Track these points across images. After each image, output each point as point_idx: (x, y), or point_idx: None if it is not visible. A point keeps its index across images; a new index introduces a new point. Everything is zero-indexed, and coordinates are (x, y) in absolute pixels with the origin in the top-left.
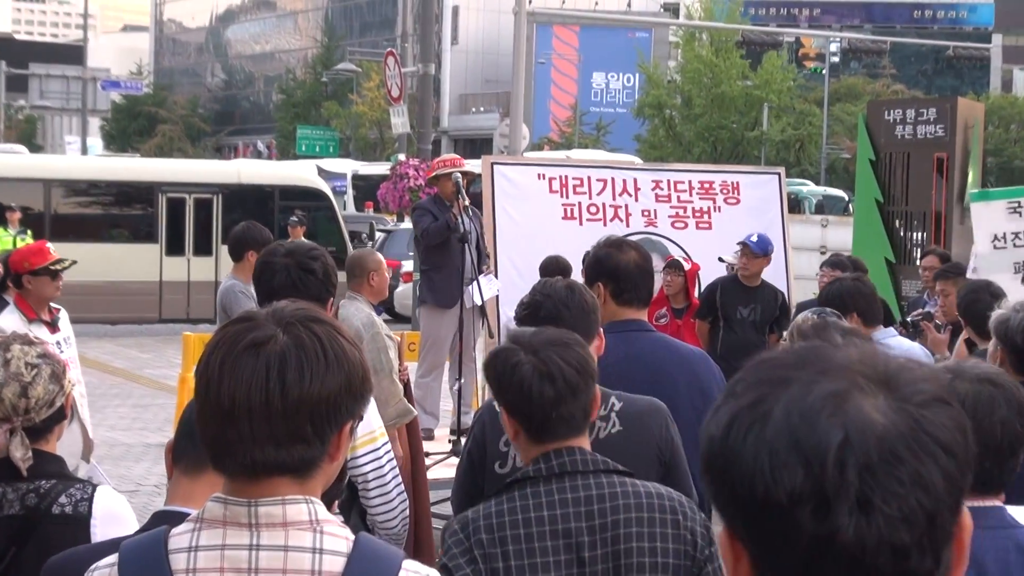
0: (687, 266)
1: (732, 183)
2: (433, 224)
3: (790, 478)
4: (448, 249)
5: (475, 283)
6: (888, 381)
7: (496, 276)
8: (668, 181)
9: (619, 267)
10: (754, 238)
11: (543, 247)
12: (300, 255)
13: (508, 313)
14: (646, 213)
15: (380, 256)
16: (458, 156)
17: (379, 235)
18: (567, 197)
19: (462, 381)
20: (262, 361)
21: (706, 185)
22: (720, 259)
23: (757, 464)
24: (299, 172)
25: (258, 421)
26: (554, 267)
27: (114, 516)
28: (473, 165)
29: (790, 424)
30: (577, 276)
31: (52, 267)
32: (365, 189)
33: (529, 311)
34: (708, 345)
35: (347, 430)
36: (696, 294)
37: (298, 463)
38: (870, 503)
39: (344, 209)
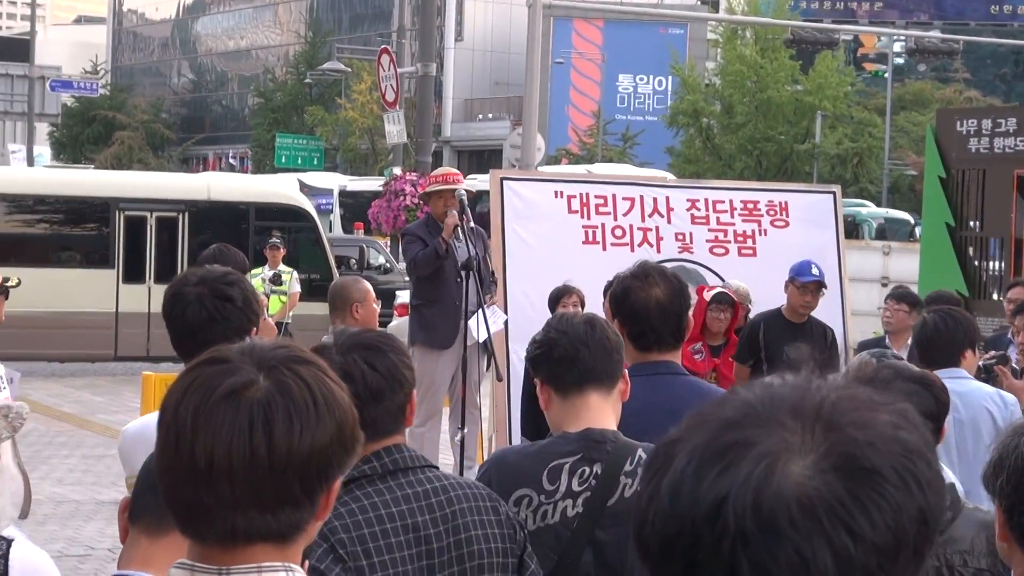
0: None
1: (780, 203)
2: (421, 252)
3: (665, 530)
4: (442, 280)
5: (478, 315)
6: (838, 442)
7: (506, 309)
8: (706, 200)
9: (637, 307)
10: (814, 270)
11: (560, 275)
12: (214, 282)
13: (519, 352)
14: (680, 237)
15: (367, 284)
16: (455, 170)
17: None
18: (588, 218)
19: (465, 431)
20: (244, 412)
21: (750, 205)
22: (820, 285)
23: (646, 507)
24: (278, 187)
25: (241, 482)
26: (558, 296)
27: (35, 571)
28: (480, 181)
29: (683, 474)
30: (598, 308)
31: None
32: (354, 208)
33: (543, 350)
34: None
35: (337, 486)
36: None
37: (284, 528)
38: None
39: (330, 231)
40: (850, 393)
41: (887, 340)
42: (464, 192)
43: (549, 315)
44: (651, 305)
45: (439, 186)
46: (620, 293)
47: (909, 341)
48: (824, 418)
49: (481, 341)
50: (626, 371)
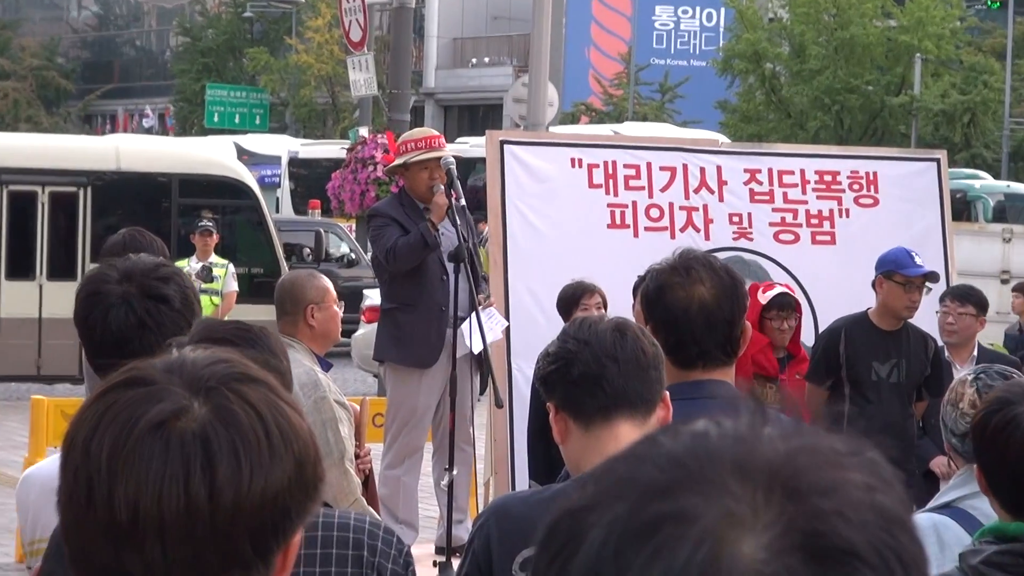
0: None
1: (867, 174)
2: (402, 240)
3: None
4: (423, 277)
5: (471, 321)
6: (800, 514)
7: (507, 315)
8: (769, 171)
9: (676, 310)
10: (917, 259)
11: (578, 269)
12: (144, 277)
13: (526, 369)
14: (736, 219)
15: (326, 281)
16: (436, 132)
17: None
18: (615, 194)
19: (454, 473)
20: (176, 449)
21: (827, 177)
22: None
23: None
24: (209, 154)
25: (175, 541)
26: (574, 296)
27: None
28: (473, 146)
29: (599, 558)
30: (627, 312)
31: None
32: (309, 181)
33: (558, 366)
34: None
35: (296, 542)
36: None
37: None
38: None
39: (277, 211)
40: (808, 443)
41: (946, 353)
42: (452, 161)
43: (562, 320)
44: (693, 308)
45: (422, 154)
46: (654, 292)
47: (975, 353)
48: (780, 480)
49: (475, 353)
50: (667, 393)
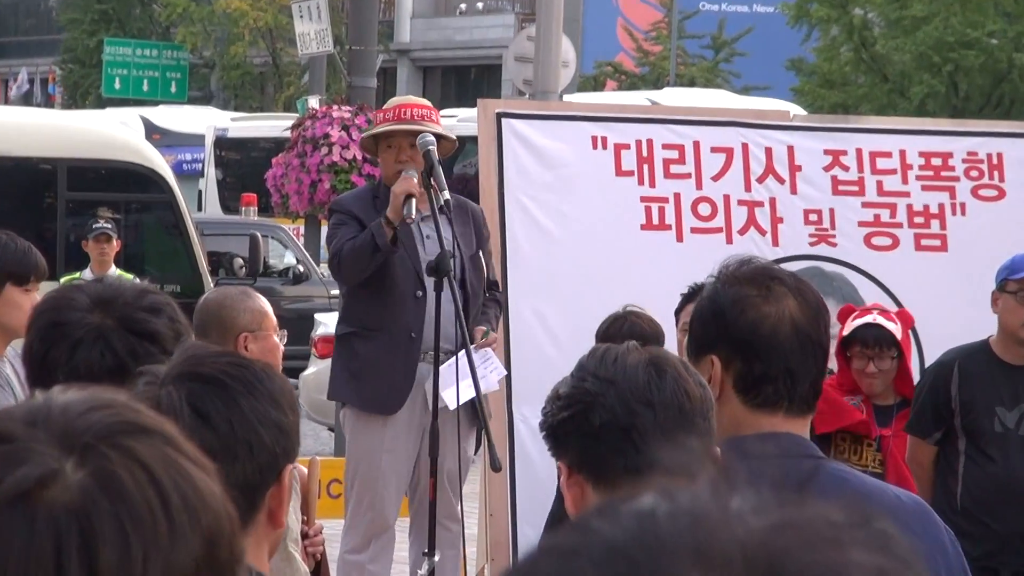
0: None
1: (990, 156)
2: (349, 242)
3: None
4: (389, 294)
5: (457, 361)
6: None
7: (506, 344)
8: (859, 152)
9: (759, 330)
10: None
11: (603, 287)
12: (127, 307)
13: (531, 419)
14: (814, 217)
15: (263, 303)
16: (420, 100)
17: None
18: (652, 184)
19: (435, 560)
20: (43, 528)
21: (936, 161)
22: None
23: None
24: (107, 132)
25: None
26: (625, 332)
27: None
28: (462, 120)
29: None
30: (671, 346)
31: None
32: (242, 168)
33: (573, 412)
34: (936, 485)
35: None
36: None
37: None
38: None
39: (199, 208)
40: (793, 517)
41: None
42: (432, 140)
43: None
44: (784, 329)
45: (389, 125)
46: (729, 306)
47: None
48: (760, 569)
49: (462, 404)
50: (718, 451)
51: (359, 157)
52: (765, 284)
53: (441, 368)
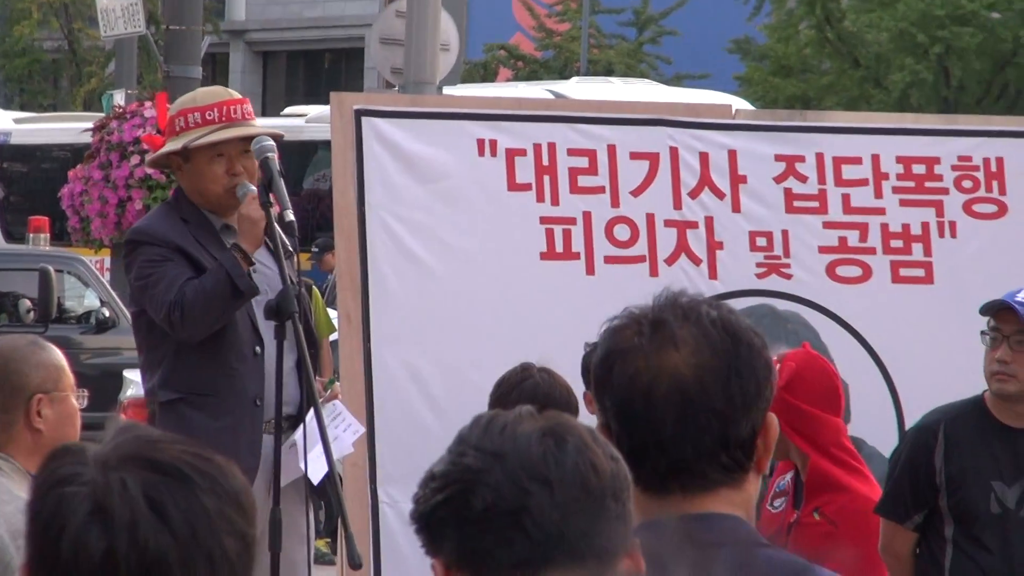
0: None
1: (987, 161)
2: (194, 285)
3: None
4: (226, 350)
5: (306, 427)
6: None
7: (369, 406)
8: (820, 158)
9: (631, 391)
10: None
11: (492, 332)
12: (148, 469)
13: (400, 501)
14: (764, 241)
15: (59, 357)
16: (236, 95)
17: None
18: (556, 202)
19: None
20: None
21: (919, 168)
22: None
23: None
24: None
25: None
26: (526, 393)
27: None
28: (312, 121)
29: None
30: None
31: None
32: (29, 183)
33: (449, 494)
34: None
35: None
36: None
37: None
38: None
39: None
40: None
41: None
42: (271, 145)
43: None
44: (659, 389)
45: (216, 131)
46: (600, 362)
47: None
48: None
49: (315, 482)
50: (637, 540)
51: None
52: (652, 328)
53: (295, 436)
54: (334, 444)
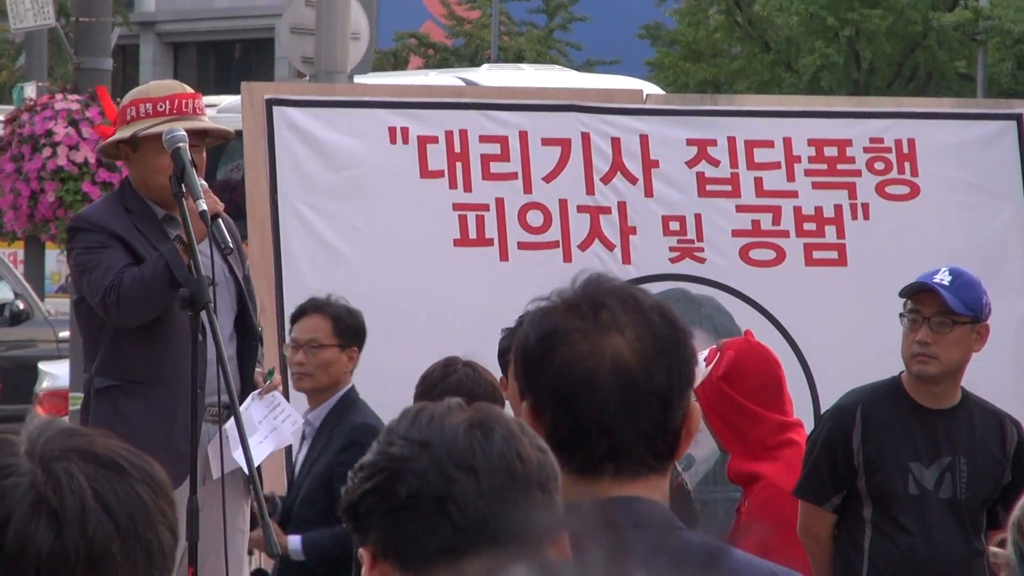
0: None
1: (899, 143)
2: (133, 272)
3: None
4: (167, 337)
5: (235, 419)
6: None
7: (288, 399)
8: (731, 142)
9: (573, 377)
10: (944, 277)
11: (406, 319)
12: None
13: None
14: (676, 226)
15: None
16: (188, 89)
17: None
18: (468, 188)
19: None
20: None
21: (831, 151)
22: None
23: None
24: None
25: None
26: (450, 386)
27: None
28: (224, 111)
29: None
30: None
31: None
32: None
33: (376, 483)
34: (835, 564)
35: None
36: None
37: None
38: None
39: None
40: None
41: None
42: (183, 135)
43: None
44: (603, 372)
45: (170, 123)
46: (537, 344)
47: None
48: None
49: (246, 471)
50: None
51: (92, 160)
52: (592, 312)
53: (227, 426)
54: (273, 435)
